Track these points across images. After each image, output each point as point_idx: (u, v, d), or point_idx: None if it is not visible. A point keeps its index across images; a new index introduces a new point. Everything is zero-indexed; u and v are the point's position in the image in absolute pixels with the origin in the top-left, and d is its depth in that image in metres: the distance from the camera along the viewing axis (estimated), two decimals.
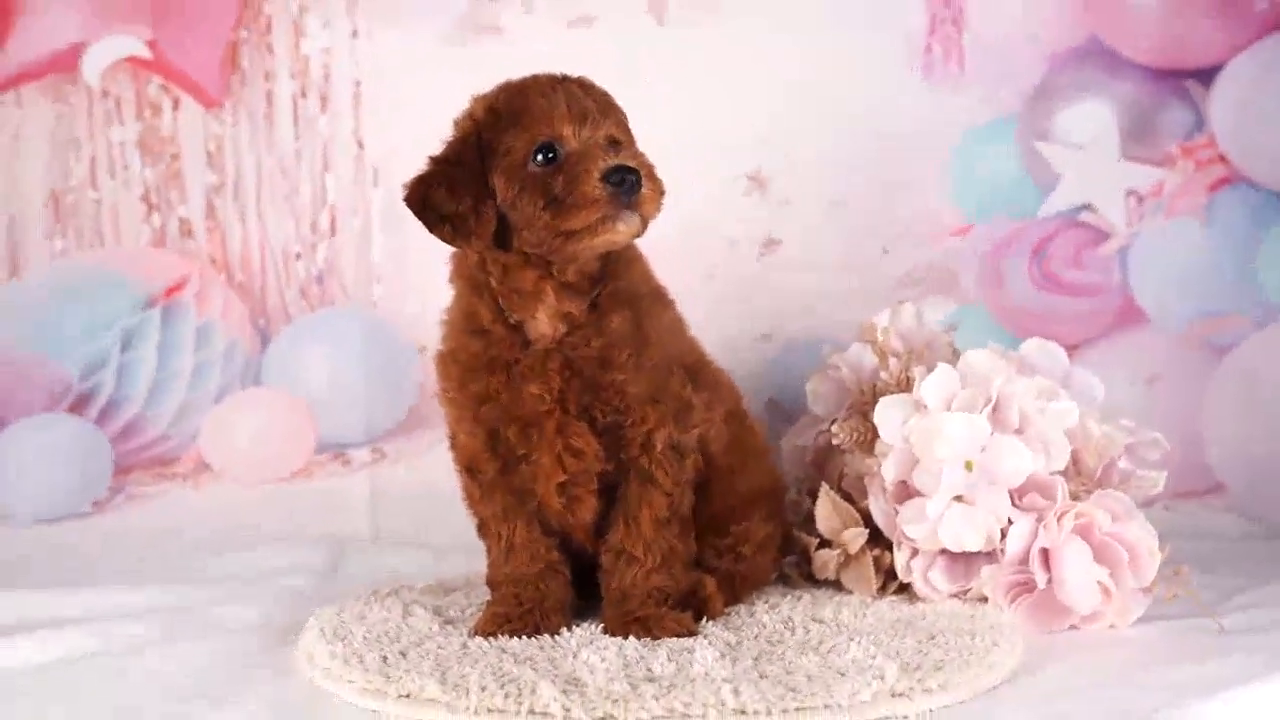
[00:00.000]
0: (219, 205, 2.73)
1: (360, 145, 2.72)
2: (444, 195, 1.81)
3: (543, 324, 1.84)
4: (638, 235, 1.80)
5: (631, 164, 1.75)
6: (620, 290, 1.86)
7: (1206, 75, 2.59)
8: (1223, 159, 2.59)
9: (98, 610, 2.06)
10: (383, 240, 2.70)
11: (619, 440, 1.86)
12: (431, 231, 1.82)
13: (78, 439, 2.64)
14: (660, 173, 1.81)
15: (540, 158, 1.79)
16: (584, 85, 1.84)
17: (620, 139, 1.83)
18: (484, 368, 1.85)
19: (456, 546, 2.31)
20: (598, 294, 1.85)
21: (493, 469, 1.88)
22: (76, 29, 2.70)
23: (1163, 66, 2.60)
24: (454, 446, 1.93)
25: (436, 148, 1.86)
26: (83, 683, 1.75)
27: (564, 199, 1.75)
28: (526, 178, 1.78)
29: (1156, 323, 2.62)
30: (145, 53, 2.71)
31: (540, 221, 1.77)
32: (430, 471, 2.57)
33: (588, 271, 1.84)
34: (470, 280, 1.88)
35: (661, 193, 1.79)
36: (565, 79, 1.84)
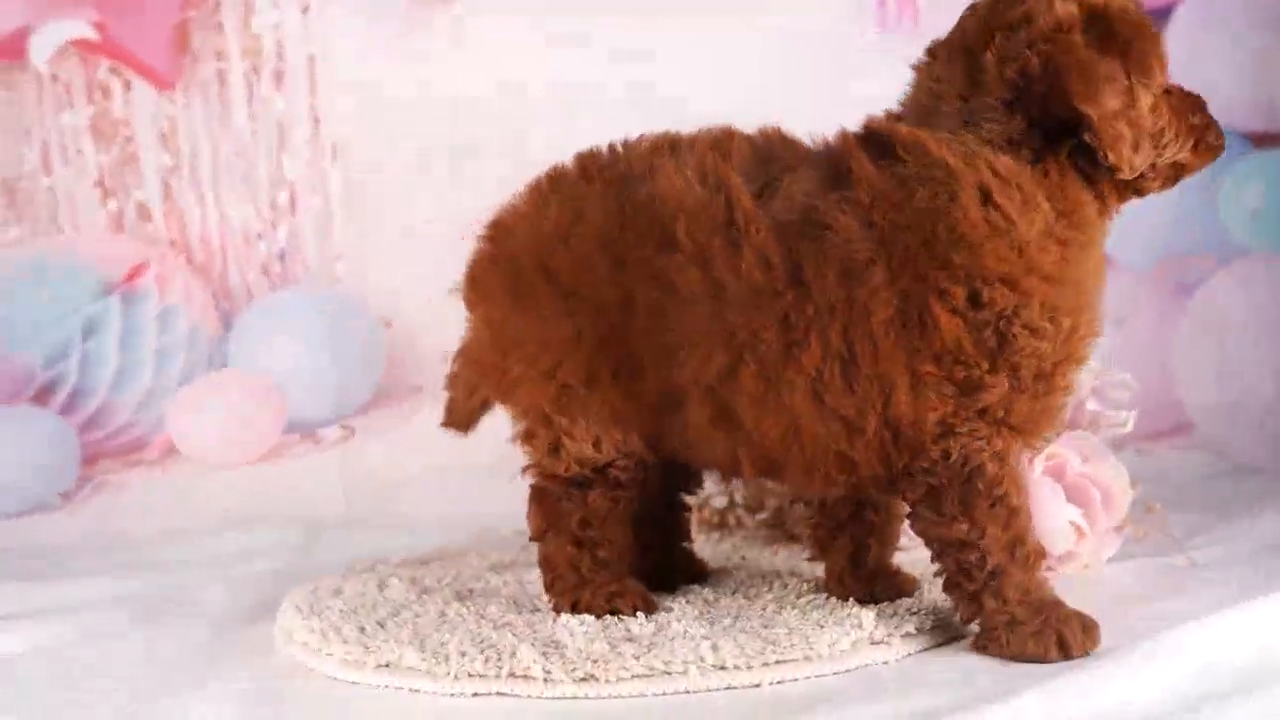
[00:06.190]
0: (175, 187, 2.70)
1: (317, 121, 2.69)
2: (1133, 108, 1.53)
3: None
4: None
5: None
6: None
7: (1159, 17, 2.59)
8: None
9: (71, 601, 2.03)
10: (343, 216, 2.67)
11: None
12: (1098, 133, 1.50)
13: (42, 431, 2.61)
14: None
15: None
16: None
17: None
18: None
19: (429, 522, 2.31)
20: None
21: None
22: (20, 13, 2.65)
23: None
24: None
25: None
26: (58, 671, 1.73)
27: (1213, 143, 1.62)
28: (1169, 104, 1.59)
29: (1123, 265, 2.62)
30: (93, 35, 2.66)
31: (1174, 158, 1.60)
32: (401, 447, 2.57)
33: None
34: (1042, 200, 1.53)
35: None
36: None
